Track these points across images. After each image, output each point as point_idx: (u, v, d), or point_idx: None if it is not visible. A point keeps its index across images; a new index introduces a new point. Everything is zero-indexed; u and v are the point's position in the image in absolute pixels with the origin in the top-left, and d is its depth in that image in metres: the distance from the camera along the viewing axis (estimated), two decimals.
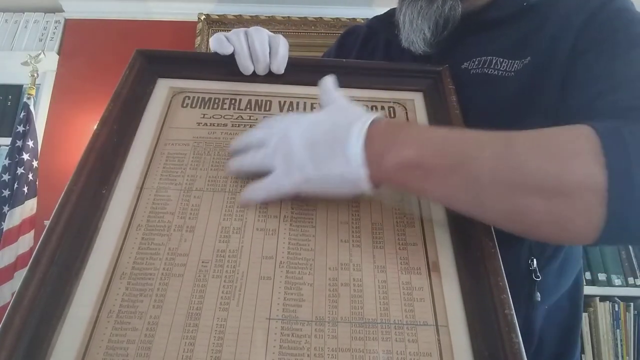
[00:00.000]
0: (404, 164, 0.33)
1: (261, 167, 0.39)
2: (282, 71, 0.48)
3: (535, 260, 0.45)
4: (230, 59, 0.47)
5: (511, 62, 0.47)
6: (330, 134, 0.35)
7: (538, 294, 0.45)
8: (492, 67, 0.48)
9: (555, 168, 0.29)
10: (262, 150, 0.39)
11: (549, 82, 0.43)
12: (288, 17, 1.77)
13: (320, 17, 1.77)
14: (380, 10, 0.65)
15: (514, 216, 0.31)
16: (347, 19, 1.78)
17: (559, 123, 0.39)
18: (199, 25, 1.74)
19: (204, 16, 1.74)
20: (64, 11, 1.77)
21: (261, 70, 0.47)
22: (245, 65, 0.47)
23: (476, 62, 0.49)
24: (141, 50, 0.48)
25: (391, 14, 0.59)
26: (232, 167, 0.41)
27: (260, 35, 0.47)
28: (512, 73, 0.46)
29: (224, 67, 0.48)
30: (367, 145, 0.34)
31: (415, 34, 0.50)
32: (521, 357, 0.30)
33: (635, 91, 0.36)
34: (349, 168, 0.34)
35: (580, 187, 0.28)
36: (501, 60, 0.47)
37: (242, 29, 0.47)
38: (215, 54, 0.48)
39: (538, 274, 0.45)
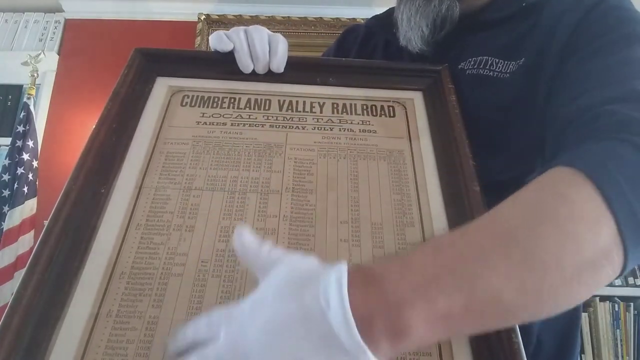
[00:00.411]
0: (421, 325, 0.23)
1: None
2: (282, 70, 0.48)
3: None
4: (230, 57, 0.47)
5: (506, 63, 0.47)
6: (304, 343, 0.23)
7: None
8: (487, 67, 0.48)
9: (572, 253, 0.25)
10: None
11: (542, 82, 0.43)
12: (288, 17, 1.77)
13: (320, 17, 1.77)
14: (380, 10, 0.65)
15: (553, 306, 0.28)
16: (347, 19, 1.78)
17: (546, 124, 0.38)
18: (199, 25, 1.74)
19: (204, 16, 1.75)
20: (64, 11, 1.77)
21: (261, 69, 0.47)
22: (245, 64, 0.47)
23: (472, 62, 0.49)
24: (140, 49, 0.48)
25: (390, 13, 0.59)
26: None
27: (260, 34, 0.47)
28: (507, 75, 0.46)
29: (224, 65, 0.48)
30: (362, 329, 0.23)
31: (412, 32, 0.50)
32: (521, 357, 0.30)
33: (625, 86, 0.34)
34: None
35: (602, 254, 0.26)
36: (496, 60, 0.47)
37: (242, 28, 0.47)
38: (215, 52, 0.48)
39: None
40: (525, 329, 0.46)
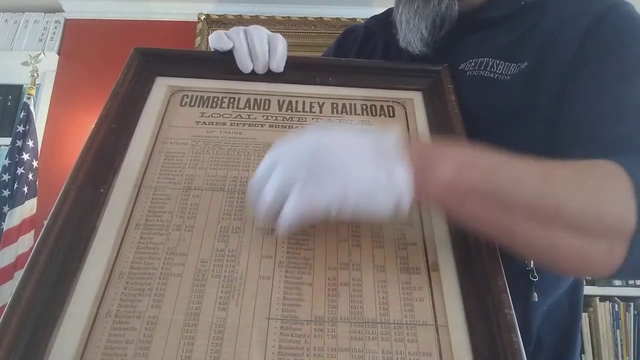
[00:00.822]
0: (445, 185, 0.31)
1: (284, 187, 0.31)
2: (282, 69, 0.48)
3: (532, 260, 0.45)
4: (229, 57, 0.47)
5: (507, 65, 0.46)
6: (363, 146, 0.32)
7: (535, 294, 0.45)
8: (488, 69, 0.47)
9: (590, 211, 0.30)
10: (276, 170, 0.32)
11: (545, 87, 0.43)
12: (288, 17, 1.77)
13: (320, 17, 1.77)
14: (380, 10, 0.65)
15: (541, 249, 0.33)
16: (347, 19, 1.78)
17: (560, 135, 0.40)
18: (199, 25, 1.74)
19: (204, 16, 1.75)
20: (64, 11, 1.77)
21: (260, 69, 0.47)
22: (245, 63, 0.47)
23: (472, 64, 0.49)
24: (139, 49, 0.48)
25: (389, 13, 0.59)
26: (260, 217, 0.33)
27: (260, 34, 0.46)
28: (508, 77, 0.46)
29: (223, 65, 0.48)
30: (409, 160, 0.31)
31: (412, 34, 0.50)
32: (521, 357, 0.30)
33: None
34: (392, 181, 0.30)
35: (613, 231, 0.30)
36: (497, 62, 0.47)
37: (242, 27, 0.47)
38: (214, 52, 0.48)
39: (535, 274, 0.45)
40: (525, 328, 0.46)
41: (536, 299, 0.45)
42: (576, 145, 0.38)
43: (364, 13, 1.76)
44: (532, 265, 0.45)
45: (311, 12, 1.78)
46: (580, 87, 0.41)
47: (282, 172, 0.31)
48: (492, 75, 0.47)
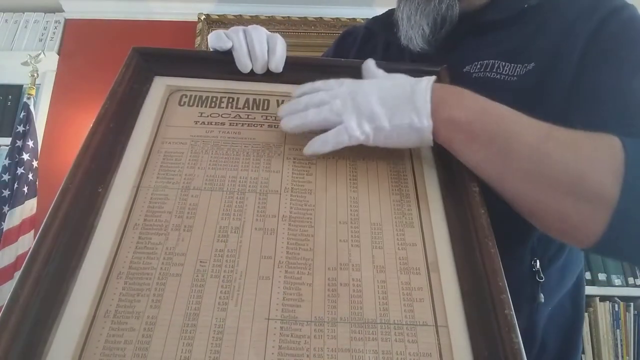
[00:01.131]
0: (452, 123, 0.37)
1: (327, 120, 0.39)
2: (281, 69, 0.47)
3: (538, 261, 0.45)
4: (228, 57, 0.47)
5: (513, 66, 0.46)
6: (397, 90, 0.39)
7: (542, 295, 0.45)
8: (494, 70, 0.47)
9: (576, 171, 0.33)
10: (326, 106, 0.40)
11: (552, 89, 0.44)
12: (288, 17, 1.77)
13: (320, 17, 1.77)
14: (381, 10, 0.65)
15: (527, 199, 0.36)
16: (347, 19, 1.78)
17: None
18: (199, 25, 1.74)
19: (204, 16, 1.74)
20: (64, 11, 1.77)
21: (259, 69, 0.47)
22: (244, 63, 0.46)
23: (478, 66, 0.48)
24: (138, 48, 0.48)
25: (390, 14, 0.59)
26: (292, 123, 0.41)
27: (259, 34, 0.46)
28: (515, 77, 0.46)
29: (222, 65, 0.48)
30: (432, 101, 0.38)
31: (413, 30, 0.50)
32: (521, 358, 0.29)
33: None
34: (417, 118, 0.37)
35: (593, 193, 0.32)
36: (503, 64, 0.47)
37: (241, 27, 0.47)
38: (213, 52, 0.47)
39: (541, 275, 0.45)
40: (531, 330, 0.46)
41: (543, 300, 0.45)
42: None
43: (364, 13, 1.76)
44: (537, 266, 0.45)
45: (311, 12, 1.78)
46: (590, 89, 0.42)
47: (331, 110, 0.39)
48: (498, 76, 0.47)
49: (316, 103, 0.41)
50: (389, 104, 0.38)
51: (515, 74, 0.46)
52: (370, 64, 0.46)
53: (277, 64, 0.47)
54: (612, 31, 0.43)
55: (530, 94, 0.45)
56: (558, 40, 0.45)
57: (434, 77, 0.40)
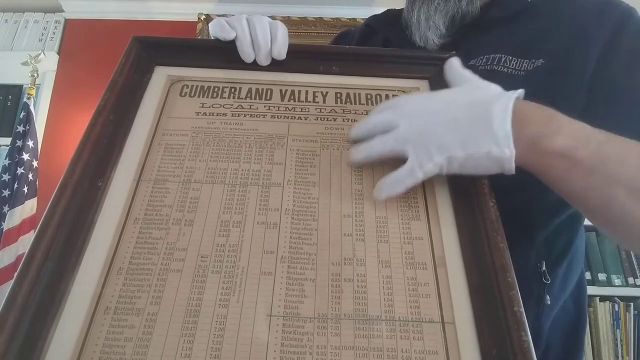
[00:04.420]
0: (557, 152, 0.34)
1: (393, 151, 0.36)
2: (284, 56, 0.46)
3: (544, 262, 0.44)
4: (231, 45, 0.46)
5: (520, 61, 0.46)
6: (472, 111, 0.34)
7: (548, 297, 0.44)
8: (501, 64, 0.47)
9: None
10: (391, 134, 0.36)
11: (564, 88, 0.44)
12: (288, 17, 1.77)
13: (320, 17, 1.77)
14: (380, 10, 0.65)
15: (631, 215, 0.34)
16: (347, 19, 1.78)
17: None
18: (199, 25, 1.74)
19: (204, 16, 1.75)
20: (64, 11, 1.77)
21: (263, 60, 0.46)
22: (247, 53, 0.46)
23: (484, 60, 0.48)
24: (138, 37, 0.47)
25: (389, 14, 0.60)
26: (358, 156, 0.38)
27: (262, 23, 0.45)
28: (522, 72, 0.46)
29: (224, 54, 0.47)
30: (514, 124, 0.33)
31: (431, 31, 0.50)
32: (530, 356, 0.29)
33: None
34: (496, 147, 0.33)
35: None
36: (510, 58, 0.47)
37: (244, 15, 0.46)
38: (215, 40, 0.47)
39: (547, 276, 0.44)
40: (537, 332, 0.45)
41: (549, 302, 0.44)
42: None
43: (364, 13, 1.76)
44: (543, 268, 0.44)
45: (311, 12, 1.78)
46: (614, 97, 0.43)
47: (397, 139, 0.36)
48: (505, 70, 0.47)
49: (380, 129, 0.37)
50: (461, 129, 0.34)
51: (523, 68, 0.46)
52: (455, 63, 0.40)
53: (280, 51, 0.46)
54: (630, 40, 0.44)
55: (539, 90, 0.44)
56: (568, 40, 0.45)
57: (516, 94, 0.35)
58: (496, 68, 0.47)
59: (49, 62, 1.66)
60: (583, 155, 0.33)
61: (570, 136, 0.34)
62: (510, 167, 0.34)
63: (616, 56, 0.44)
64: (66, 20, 1.76)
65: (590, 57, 0.44)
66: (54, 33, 1.72)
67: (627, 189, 0.33)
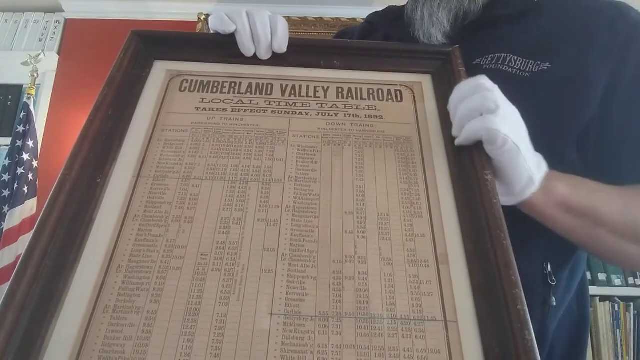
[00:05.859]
0: (561, 197, 0.40)
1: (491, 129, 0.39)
2: (285, 49, 0.46)
3: (549, 264, 0.44)
4: (231, 39, 0.45)
5: (525, 62, 0.46)
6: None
7: (554, 299, 0.44)
8: (506, 64, 0.47)
9: None
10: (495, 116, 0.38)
11: (574, 100, 0.44)
12: (288, 17, 1.76)
13: (320, 17, 1.77)
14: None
15: (615, 254, 0.43)
16: (347, 19, 1.77)
17: (604, 154, 0.46)
18: (199, 25, 1.74)
19: (204, 16, 1.75)
20: (64, 11, 1.77)
21: (263, 54, 0.46)
22: (247, 47, 0.45)
23: (489, 59, 0.48)
24: (137, 31, 0.47)
25: (389, 11, 0.60)
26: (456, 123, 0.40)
27: (262, 16, 0.45)
28: (527, 74, 0.46)
29: (224, 48, 0.46)
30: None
31: (435, 28, 0.49)
32: (534, 355, 0.28)
33: None
34: (537, 173, 0.39)
35: None
36: (515, 58, 0.47)
37: (244, 9, 0.46)
38: (215, 34, 0.46)
39: (553, 278, 0.44)
40: (542, 334, 0.45)
41: (554, 304, 0.44)
42: (623, 171, 0.45)
43: (364, 13, 1.74)
44: (549, 269, 0.44)
45: (311, 12, 1.78)
46: (623, 109, 0.45)
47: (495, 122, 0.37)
48: (510, 70, 0.47)
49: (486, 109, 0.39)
50: (528, 146, 0.39)
51: (528, 69, 0.46)
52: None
53: (281, 44, 0.45)
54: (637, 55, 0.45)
55: (544, 92, 0.45)
56: (576, 45, 0.46)
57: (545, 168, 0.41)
58: (501, 67, 0.47)
59: (49, 62, 1.66)
60: (578, 199, 0.40)
61: (569, 185, 0.40)
62: (524, 194, 0.39)
63: (628, 71, 0.45)
64: (66, 20, 1.76)
65: (600, 69, 0.44)
66: (54, 33, 1.72)
67: (610, 226, 0.41)
